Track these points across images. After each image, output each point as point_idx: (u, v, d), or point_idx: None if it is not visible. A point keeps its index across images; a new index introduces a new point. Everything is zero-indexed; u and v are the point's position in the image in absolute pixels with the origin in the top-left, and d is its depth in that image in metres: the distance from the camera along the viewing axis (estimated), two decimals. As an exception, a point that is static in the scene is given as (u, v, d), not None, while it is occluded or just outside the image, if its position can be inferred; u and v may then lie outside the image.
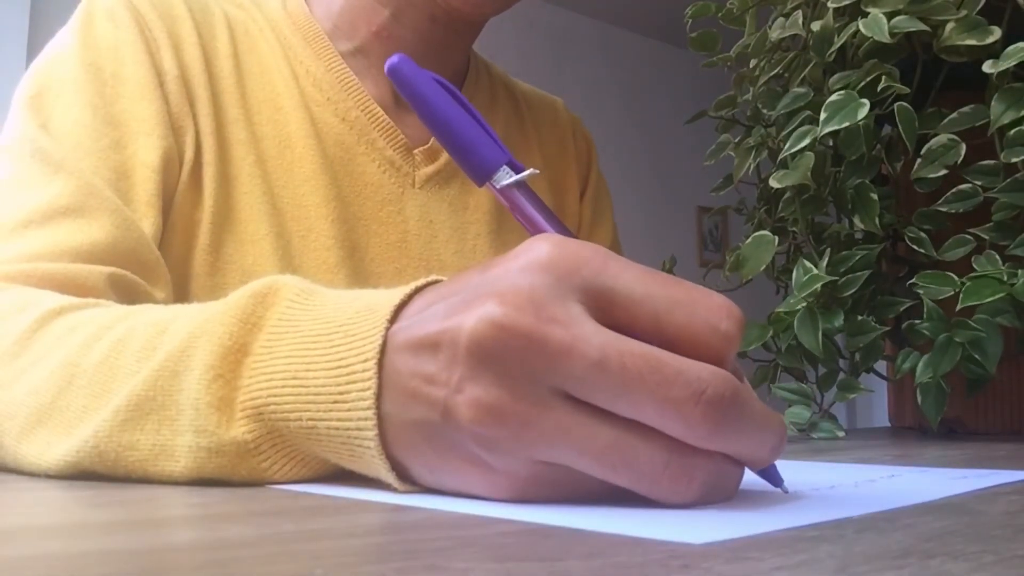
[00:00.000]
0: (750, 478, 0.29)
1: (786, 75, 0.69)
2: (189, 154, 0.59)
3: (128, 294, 0.52)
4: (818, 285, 0.59)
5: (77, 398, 0.35)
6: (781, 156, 0.64)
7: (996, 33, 0.56)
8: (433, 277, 0.31)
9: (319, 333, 0.30)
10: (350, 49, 0.67)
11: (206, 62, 0.61)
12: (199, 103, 0.60)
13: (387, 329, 0.29)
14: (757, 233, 0.66)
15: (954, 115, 0.59)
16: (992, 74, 0.55)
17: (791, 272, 0.64)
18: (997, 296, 0.53)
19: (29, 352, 0.39)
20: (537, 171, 0.34)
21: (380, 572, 0.17)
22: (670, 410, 0.24)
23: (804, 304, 0.61)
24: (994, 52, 0.56)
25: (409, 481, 0.29)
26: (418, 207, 0.67)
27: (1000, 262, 0.56)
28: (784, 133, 0.64)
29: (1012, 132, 0.55)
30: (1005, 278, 0.54)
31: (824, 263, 0.61)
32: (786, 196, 0.67)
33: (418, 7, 0.65)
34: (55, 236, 0.51)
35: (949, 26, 0.58)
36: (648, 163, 3.38)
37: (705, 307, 0.26)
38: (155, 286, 0.54)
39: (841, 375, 0.64)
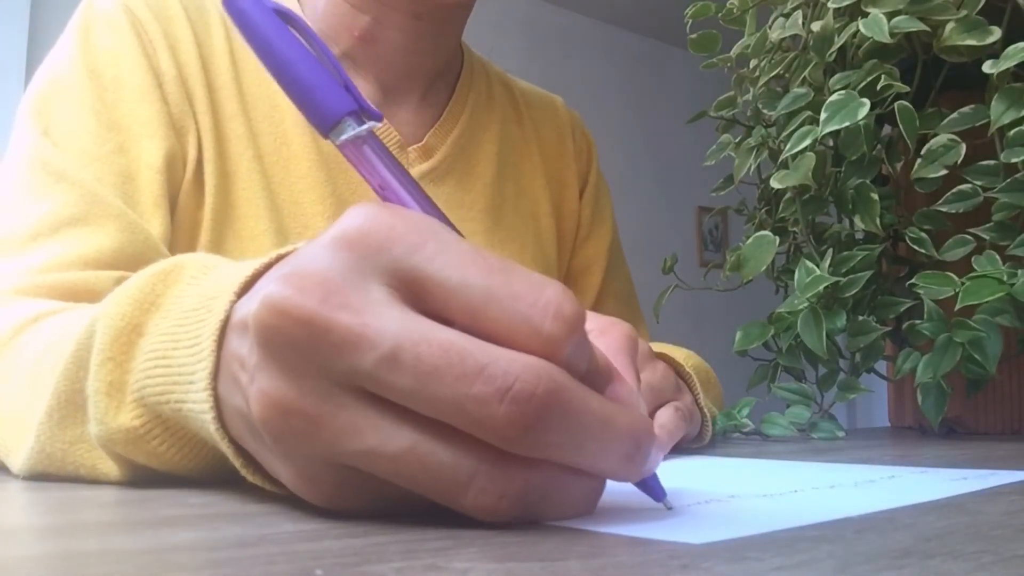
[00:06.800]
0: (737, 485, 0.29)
1: (786, 75, 0.69)
2: (192, 153, 0.59)
3: None
4: (822, 286, 0.59)
5: (36, 403, 0.35)
6: (782, 157, 0.64)
7: (996, 33, 0.56)
8: (304, 244, 0.28)
9: (193, 308, 0.28)
10: (338, 53, 0.67)
11: (203, 60, 0.61)
12: (197, 101, 0.60)
13: (232, 304, 0.26)
14: (758, 233, 0.66)
15: (954, 115, 0.59)
16: (992, 74, 0.55)
17: (791, 272, 0.64)
18: (997, 296, 0.53)
19: (2, 363, 0.40)
20: (380, 123, 0.30)
21: (380, 572, 0.17)
22: (470, 410, 0.21)
23: (807, 304, 0.60)
24: (994, 52, 0.56)
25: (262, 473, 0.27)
26: None
27: (1000, 262, 0.56)
28: (785, 133, 0.64)
29: (1012, 132, 0.55)
30: (1005, 278, 0.54)
31: (826, 264, 0.61)
32: (787, 196, 0.67)
33: (400, 8, 0.64)
34: (62, 246, 0.51)
35: (949, 26, 0.58)
36: (648, 163, 3.38)
37: (528, 303, 0.22)
38: None
39: (841, 375, 0.64)
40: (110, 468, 0.32)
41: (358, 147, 0.30)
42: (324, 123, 0.30)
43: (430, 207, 0.29)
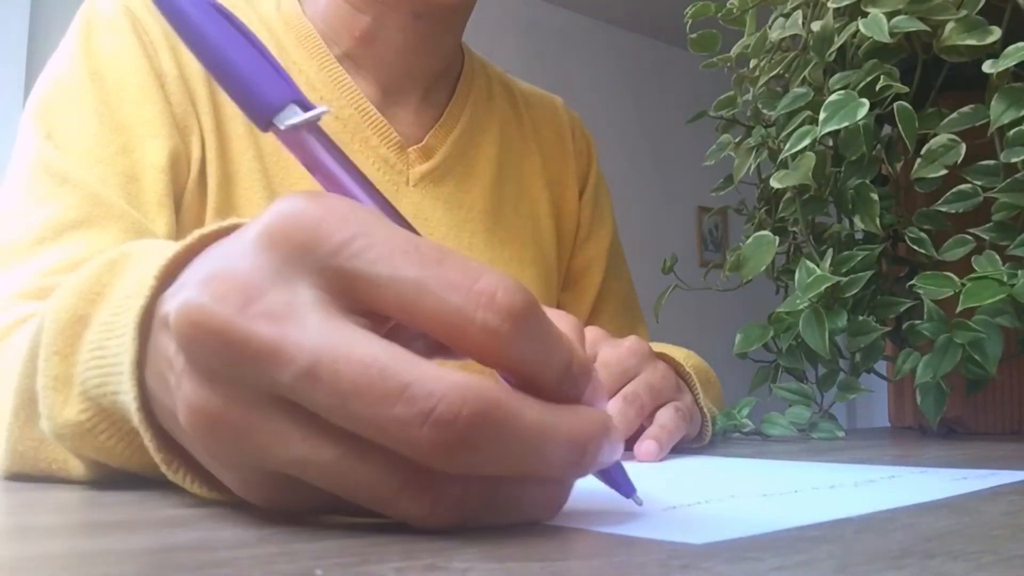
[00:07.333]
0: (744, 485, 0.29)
1: (786, 75, 0.69)
2: (196, 153, 0.59)
3: None
4: (824, 286, 0.59)
5: (7, 404, 0.35)
6: (781, 156, 0.64)
7: (996, 33, 0.56)
8: (232, 220, 0.27)
9: (127, 295, 0.27)
10: (339, 53, 0.67)
11: None
12: (200, 101, 0.60)
13: (153, 290, 0.25)
14: (757, 233, 0.66)
15: (954, 115, 0.59)
16: (992, 74, 0.55)
17: (791, 272, 0.64)
18: (997, 297, 0.53)
19: None
20: (328, 109, 0.28)
21: (380, 572, 0.17)
22: (392, 432, 0.20)
23: (808, 305, 0.60)
24: (994, 52, 0.56)
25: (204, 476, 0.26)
26: (412, 205, 0.67)
27: (1000, 262, 0.56)
28: (784, 133, 0.64)
29: (1012, 132, 0.55)
30: (1005, 279, 0.54)
31: (826, 263, 0.61)
32: (786, 196, 0.67)
33: (399, 8, 0.64)
34: (67, 250, 0.52)
35: (949, 26, 0.58)
36: (648, 163, 3.38)
37: (463, 292, 0.20)
38: None
39: (841, 375, 0.64)
40: (76, 465, 0.32)
41: (299, 136, 0.28)
42: (266, 112, 0.28)
43: (375, 194, 0.28)
